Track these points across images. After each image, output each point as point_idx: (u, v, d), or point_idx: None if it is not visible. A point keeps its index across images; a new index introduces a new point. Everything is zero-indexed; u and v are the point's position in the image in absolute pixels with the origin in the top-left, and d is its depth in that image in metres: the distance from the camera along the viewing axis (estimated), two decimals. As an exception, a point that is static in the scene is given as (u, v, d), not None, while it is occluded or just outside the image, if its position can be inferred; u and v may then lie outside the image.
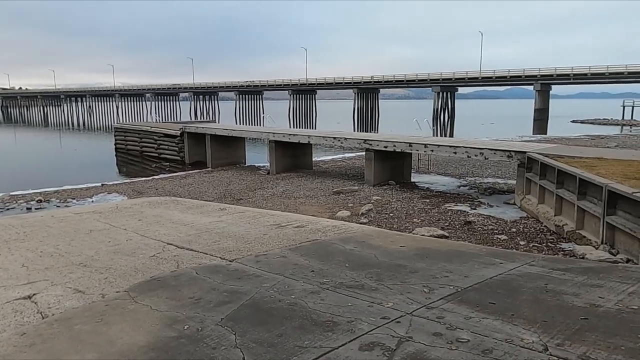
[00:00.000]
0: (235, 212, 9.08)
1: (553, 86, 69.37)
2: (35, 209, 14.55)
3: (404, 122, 65.73)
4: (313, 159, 21.64)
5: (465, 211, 12.17)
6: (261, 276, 5.18)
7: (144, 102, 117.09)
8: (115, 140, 31.19)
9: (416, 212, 12.16)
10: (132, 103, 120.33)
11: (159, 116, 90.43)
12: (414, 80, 79.42)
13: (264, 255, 6.03)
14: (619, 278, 5.02)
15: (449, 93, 78.10)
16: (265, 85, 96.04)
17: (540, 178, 11.75)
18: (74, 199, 15.94)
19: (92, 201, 15.47)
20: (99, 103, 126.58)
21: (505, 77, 70.88)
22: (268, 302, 4.43)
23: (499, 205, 12.96)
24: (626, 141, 31.94)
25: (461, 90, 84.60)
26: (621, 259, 7.79)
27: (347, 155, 25.74)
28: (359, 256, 5.95)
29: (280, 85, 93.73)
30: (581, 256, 8.09)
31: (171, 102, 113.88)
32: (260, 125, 57.63)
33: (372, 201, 13.51)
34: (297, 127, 60.47)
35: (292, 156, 20.43)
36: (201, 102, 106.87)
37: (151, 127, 28.57)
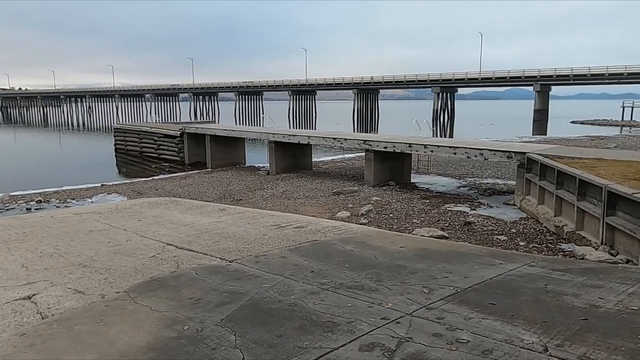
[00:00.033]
0: (235, 213, 9.08)
1: (553, 87, 69.40)
2: (35, 209, 14.55)
3: (403, 122, 65.77)
4: (313, 160, 21.64)
5: (465, 212, 12.17)
6: (261, 277, 5.18)
7: (143, 103, 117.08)
8: (115, 140, 31.19)
9: (416, 213, 12.16)
10: (131, 103, 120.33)
11: (158, 117, 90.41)
12: (413, 81, 79.48)
13: (264, 255, 6.02)
14: (619, 279, 5.02)
15: (448, 94, 78.13)
16: (265, 86, 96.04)
17: (540, 179, 11.75)
18: (73, 199, 15.94)
19: (92, 202, 15.47)
20: (99, 103, 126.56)
21: (505, 77, 70.91)
22: (268, 302, 4.43)
23: (498, 206, 12.96)
24: (626, 142, 31.95)
25: (461, 90, 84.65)
26: (621, 259, 7.79)
27: (346, 155, 25.75)
28: (358, 257, 5.95)
29: (280, 85, 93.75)
30: (581, 257, 8.10)
31: (171, 103, 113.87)
32: (260, 125, 57.65)
33: (371, 202, 13.51)
34: (296, 128, 60.47)
35: (292, 157, 20.44)
36: (201, 103, 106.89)
37: (151, 127, 28.57)
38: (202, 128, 24.80)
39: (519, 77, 69.78)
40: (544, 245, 9.37)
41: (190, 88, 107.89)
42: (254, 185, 17.57)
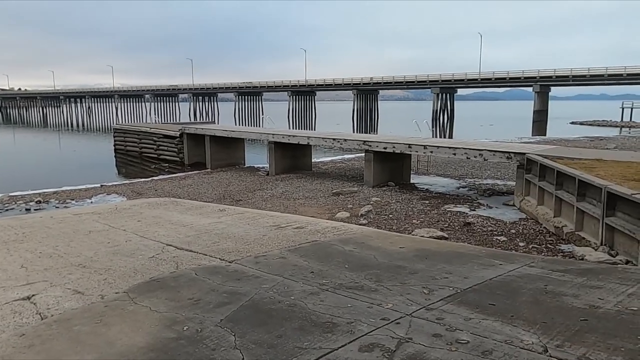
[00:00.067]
0: (234, 213, 9.08)
1: (552, 88, 69.46)
2: (35, 209, 14.54)
3: (403, 123, 65.79)
4: (312, 160, 21.64)
5: (464, 212, 12.17)
6: (260, 277, 5.17)
7: (143, 103, 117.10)
8: (115, 141, 31.19)
9: (415, 214, 12.16)
10: (131, 104, 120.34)
11: (158, 117, 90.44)
12: (413, 82, 79.54)
13: (264, 256, 6.02)
14: (619, 279, 5.02)
15: (448, 94, 78.18)
16: (264, 87, 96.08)
17: (539, 179, 11.76)
18: (73, 199, 15.93)
19: (91, 202, 15.46)
20: (99, 104, 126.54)
21: (505, 78, 70.97)
22: (267, 303, 4.43)
23: (498, 207, 12.97)
24: (625, 143, 31.98)
25: (460, 91, 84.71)
26: (620, 260, 7.79)
27: (346, 156, 25.75)
28: (358, 257, 5.95)
29: (280, 86, 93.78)
30: (580, 257, 8.10)
31: (170, 103, 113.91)
32: (259, 126, 57.64)
33: (371, 202, 13.51)
34: (296, 128, 60.49)
35: (292, 157, 20.44)
36: (200, 103, 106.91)
37: (150, 128, 28.57)
38: (202, 128, 24.80)
39: (519, 78, 69.83)
40: (544, 245, 9.37)
41: (189, 89, 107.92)
42: (253, 185, 17.57)
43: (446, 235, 9.80)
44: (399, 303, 4.37)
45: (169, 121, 65.05)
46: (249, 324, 3.98)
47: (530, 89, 70.01)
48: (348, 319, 4.02)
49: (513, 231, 10.43)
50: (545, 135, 44.48)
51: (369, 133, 48.70)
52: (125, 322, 4.09)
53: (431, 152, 15.56)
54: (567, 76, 65.45)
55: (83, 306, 4.51)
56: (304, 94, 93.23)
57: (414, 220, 11.42)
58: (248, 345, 3.60)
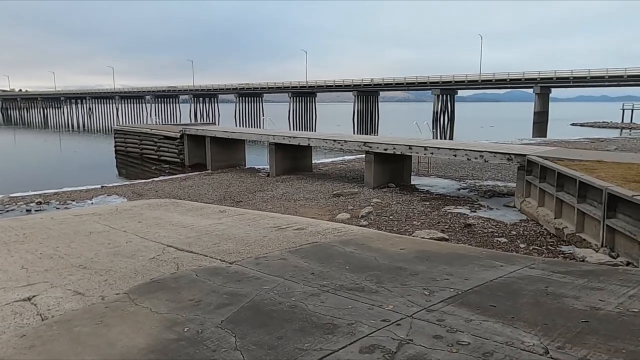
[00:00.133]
0: (235, 215, 9.08)
1: (552, 89, 69.45)
2: (35, 210, 14.55)
3: (403, 124, 65.79)
4: (313, 162, 21.64)
5: (465, 214, 12.16)
6: (261, 278, 5.17)
7: (143, 105, 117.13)
8: (115, 142, 31.21)
9: (416, 215, 12.16)
10: (132, 105, 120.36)
11: (158, 118, 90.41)
12: (413, 83, 79.54)
13: (264, 257, 6.02)
14: (619, 281, 5.01)
15: (448, 96, 78.20)
16: (265, 88, 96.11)
17: (540, 181, 11.75)
18: (73, 200, 15.93)
19: (92, 203, 15.46)
20: (99, 105, 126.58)
21: (505, 80, 70.97)
22: (268, 304, 4.42)
23: (498, 208, 12.96)
24: (626, 144, 31.97)
25: (461, 93, 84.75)
26: (621, 262, 7.79)
27: (347, 157, 25.76)
28: (359, 259, 5.94)
29: (280, 87, 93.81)
30: (581, 259, 8.09)
31: (171, 105, 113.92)
32: (260, 127, 57.65)
33: (372, 204, 13.50)
34: (297, 130, 60.51)
35: (292, 158, 20.44)
36: (201, 105, 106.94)
37: (151, 129, 28.59)
38: (202, 130, 24.81)
39: (519, 80, 69.83)
40: (544, 247, 9.37)
41: (190, 90, 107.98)
42: (254, 187, 17.57)
43: (447, 237, 9.80)
44: (399, 304, 4.37)
45: (169, 122, 65.09)
46: (250, 325, 3.98)
47: (530, 90, 70.01)
48: (349, 320, 4.02)
49: (514, 233, 10.42)
50: (545, 136, 44.48)
51: (370, 134, 48.69)
52: (126, 323, 4.09)
53: (432, 153, 15.56)
54: (567, 78, 65.44)
55: (84, 307, 4.51)
56: (304, 95, 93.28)
57: (414, 222, 11.42)
58: (249, 346, 3.60)
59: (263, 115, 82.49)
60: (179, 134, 25.24)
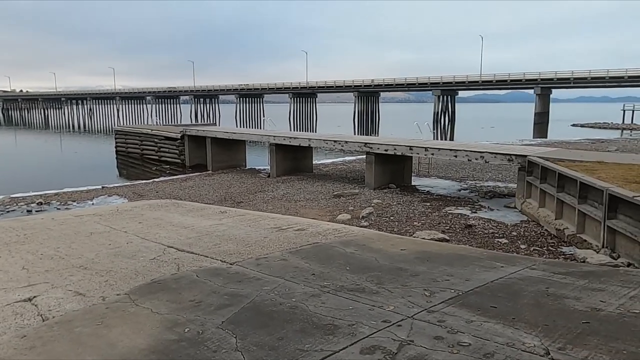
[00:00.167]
0: (235, 215, 9.08)
1: (553, 90, 69.46)
2: (36, 211, 14.56)
3: (404, 125, 65.78)
4: (313, 162, 21.65)
5: (465, 215, 12.16)
6: (262, 279, 5.17)
7: (144, 105, 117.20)
8: (116, 142, 31.23)
9: (417, 216, 12.15)
10: (132, 106, 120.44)
11: (159, 119, 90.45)
12: (414, 84, 79.55)
13: (265, 258, 6.02)
14: (620, 282, 5.01)
15: (449, 96, 78.23)
16: (265, 89, 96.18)
17: (540, 182, 11.74)
18: (74, 201, 15.94)
19: (93, 204, 15.47)
20: (100, 106, 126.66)
21: (506, 80, 70.98)
22: (269, 305, 4.42)
23: (499, 209, 12.95)
24: (626, 145, 31.96)
25: (461, 93, 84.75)
26: (622, 262, 7.78)
27: (347, 158, 25.76)
28: (359, 259, 5.94)
29: (281, 88, 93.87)
30: (582, 260, 8.09)
31: (172, 105, 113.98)
32: (260, 128, 57.67)
33: (372, 204, 13.50)
34: (297, 130, 60.52)
35: (293, 159, 20.44)
36: (202, 105, 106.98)
37: (152, 129, 28.60)
38: (203, 130, 24.83)
39: (520, 80, 69.84)
40: (545, 248, 9.36)
41: (191, 90, 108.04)
42: (254, 187, 17.57)
43: (447, 238, 9.79)
44: (400, 305, 4.37)
45: (170, 123, 65.14)
46: (250, 326, 3.98)
47: (531, 91, 70.03)
48: (349, 321, 4.01)
49: (514, 233, 10.42)
50: (546, 137, 44.46)
51: (370, 135, 48.71)
52: (127, 324, 4.09)
53: (432, 154, 15.55)
54: (568, 78, 65.45)
55: (84, 308, 4.51)
56: (305, 96, 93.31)
57: (415, 223, 11.41)
58: (249, 347, 3.60)
59: (263, 116, 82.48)
60: (180, 135, 25.25)
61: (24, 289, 5.07)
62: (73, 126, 77.12)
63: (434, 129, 57.18)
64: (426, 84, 77.53)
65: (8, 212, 14.69)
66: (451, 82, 75.08)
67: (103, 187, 18.50)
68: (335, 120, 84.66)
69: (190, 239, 7.06)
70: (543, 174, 11.74)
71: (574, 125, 65.12)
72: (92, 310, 4.45)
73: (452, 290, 4.75)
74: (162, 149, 26.81)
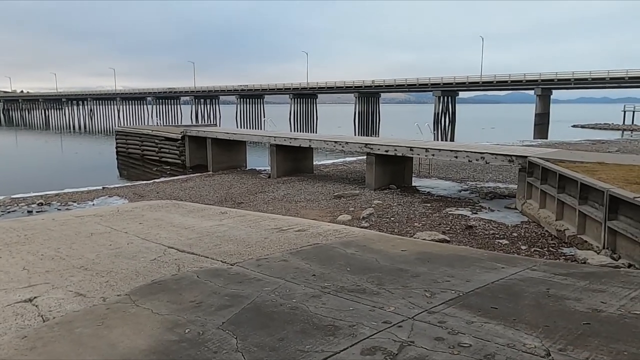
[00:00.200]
0: (236, 216, 9.08)
1: (554, 91, 69.47)
2: (37, 212, 14.56)
3: (404, 126, 65.78)
4: (314, 163, 21.65)
5: (466, 215, 12.15)
6: (262, 280, 5.17)
7: (145, 106, 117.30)
8: (117, 143, 31.25)
9: (417, 217, 12.15)
10: (133, 106, 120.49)
11: (160, 120, 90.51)
12: (414, 85, 79.58)
13: (265, 259, 6.02)
14: (621, 283, 5.01)
15: (449, 97, 78.23)
16: (266, 89, 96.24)
17: (541, 183, 11.74)
18: (75, 202, 15.95)
19: (93, 204, 15.48)
20: (101, 106, 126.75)
21: (506, 81, 71.00)
22: (269, 306, 4.42)
23: (500, 210, 12.95)
24: (627, 146, 31.94)
25: (462, 94, 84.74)
26: (623, 264, 7.77)
27: (348, 159, 25.76)
28: (360, 260, 5.94)
29: (281, 89, 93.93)
30: (583, 261, 8.08)
31: (172, 106, 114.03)
32: (261, 129, 57.69)
33: (373, 205, 13.50)
34: (298, 131, 60.52)
35: (293, 160, 20.44)
36: (202, 106, 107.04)
37: (152, 130, 28.61)
38: (204, 131, 24.83)
39: (520, 81, 69.86)
40: (546, 249, 9.35)
41: (191, 91, 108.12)
42: (255, 188, 17.57)
43: (448, 238, 9.79)
44: (401, 306, 4.37)
45: (170, 124, 65.17)
46: (251, 326, 3.98)
47: (532, 92, 70.02)
48: (350, 322, 4.01)
49: (515, 234, 10.41)
50: (546, 138, 44.46)
51: (371, 136, 48.72)
52: (127, 325, 4.09)
53: (433, 155, 15.55)
54: (568, 79, 65.45)
55: (85, 308, 4.52)
56: (305, 96, 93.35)
57: (415, 223, 11.41)
58: (250, 348, 3.60)
59: (264, 117, 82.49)
60: (180, 136, 25.26)
61: (25, 290, 5.07)
62: (74, 127, 77.19)
63: (434, 130, 57.17)
64: (426, 84, 77.55)
65: (9, 212, 14.69)
66: (452, 83, 75.09)
67: (104, 188, 18.50)
68: (336, 121, 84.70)
69: (190, 240, 7.06)
70: (544, 175, 11.74)
71: (574, 126, 65.11)
72: (92, 310, 4.46)
73: (453, 291, 4.75)
74: (162, 150, 26.82)
